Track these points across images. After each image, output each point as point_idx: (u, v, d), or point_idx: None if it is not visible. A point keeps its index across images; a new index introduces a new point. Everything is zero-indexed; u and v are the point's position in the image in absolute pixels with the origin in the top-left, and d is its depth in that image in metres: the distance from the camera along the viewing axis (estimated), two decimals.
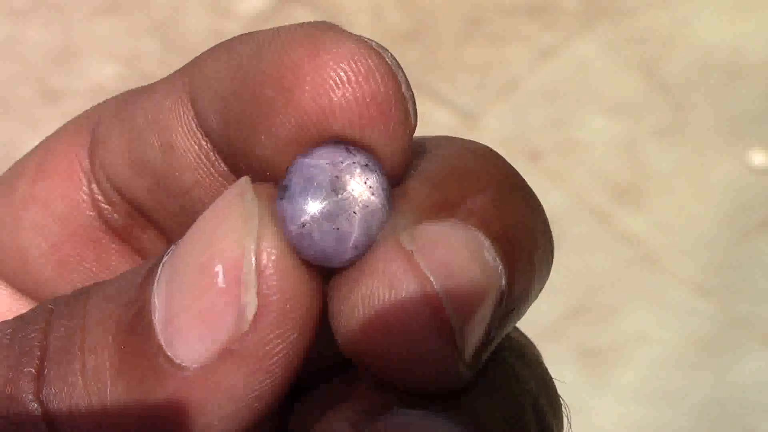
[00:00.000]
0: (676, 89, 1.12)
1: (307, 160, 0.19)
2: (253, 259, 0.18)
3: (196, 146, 0.21)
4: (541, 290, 0.20)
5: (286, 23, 0.20)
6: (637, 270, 1.01)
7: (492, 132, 1.09)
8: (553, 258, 0.21)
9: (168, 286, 0.18)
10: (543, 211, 0.21)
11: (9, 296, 0.23)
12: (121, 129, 0.22)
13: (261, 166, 0.20)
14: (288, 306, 0.18)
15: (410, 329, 0.18)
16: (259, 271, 0.18)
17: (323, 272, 0.19)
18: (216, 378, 0.18)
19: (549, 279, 0.21)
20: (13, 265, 0.23)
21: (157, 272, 0.19)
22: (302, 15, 1.16)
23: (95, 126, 0.23)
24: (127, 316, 0.19)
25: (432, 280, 0.18)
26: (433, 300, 0.18)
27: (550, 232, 0.21)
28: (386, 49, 0.19)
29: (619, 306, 0.99)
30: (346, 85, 0.18)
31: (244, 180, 0.19)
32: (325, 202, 0.19)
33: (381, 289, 0.18)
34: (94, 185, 0.23)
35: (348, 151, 0.19)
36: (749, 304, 0.99)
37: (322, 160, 0.19)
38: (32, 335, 0.19)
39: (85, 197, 0.23)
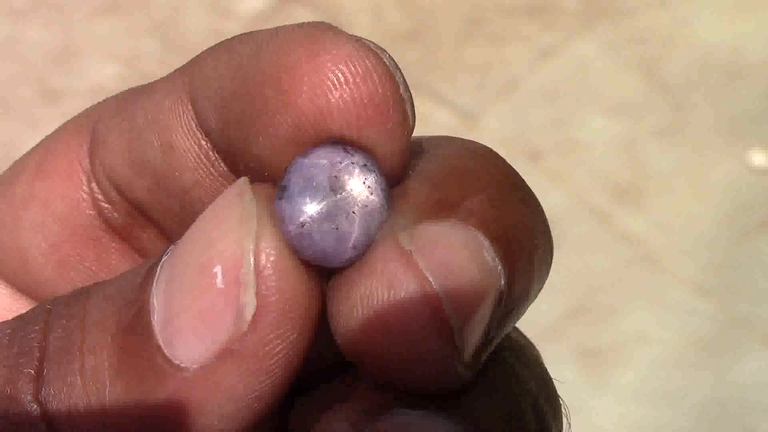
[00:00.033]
0: (676, 89, 1.12)
1: (305, 160, 0.19)
2: (252, 259, 0.18)
3: (196, 146, 0.21)
4: (540, 290, 0.20)
5: (286, 23, 0.20)
6: (637, 270, 1.01)
7: (492, 132, 1.09)
8: (552, 258, 0.21)
9: (167, 287, 0.18)
10: (542, 211, 0.21)
11: (9, 296, 0.23)
12: (120, 128, 0.22)
13: (260, 166, 0.20)
14: (287, 306, 0.18)
15: (409, 329, 0.18)
16: (258, 271, 0.18)
17: (322, 272, 0.19)
18: (215, 378, 0.18)
19: (549, 279, 0.21)
20: (13, 264, 0.23)
21: (156, 272, 0.19)
22: (302, 15, 1.16)
23: (95, 125, 0.23)
24: (126, 317, 0.19)
25: (431, 280, 0.18)
26: (433, 300, 0.18)
27: (549, 232, 0.21)
28: (384, 50, 0.19)
29: (619, 306, 0.99)
30: (344, 86, 0.18)
31: (243, 180, 0.19)
32: (324, 202, 0.19)
33: (380, 289, 0.18)
34: (94, 184, 0.23)
35: (346, 151, 0.19)
36: (749, 304, 0.99)
37: (320, 160, 0.19)
38: (31, 335, 0.19)
39: (85, 196, 0.23)
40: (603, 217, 1.04)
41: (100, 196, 0.23)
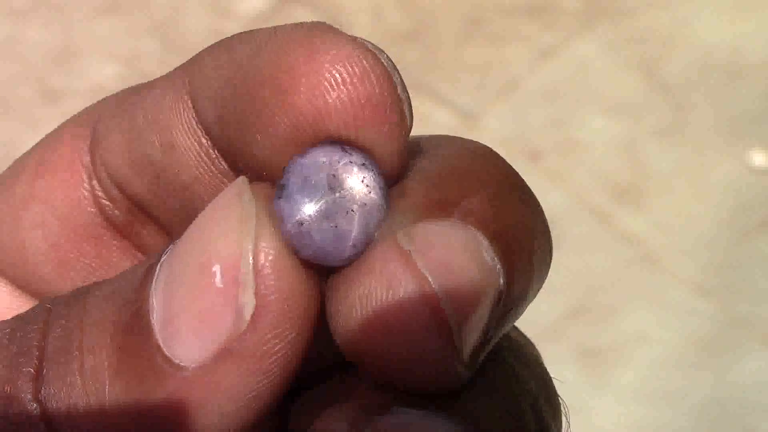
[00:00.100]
0: (676, 89, 1.12)
1: (304, 160, 0.19)
2: (251, 259, 0.18)
3: (196, 144, 0.21)
4: (539, 290, 0.20)
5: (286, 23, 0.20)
6: (637, 270, 1.01)
7: (492, 132, 1.09)
8: (551, 258, 0.21)
9: (166, 287, 0.18)
10: (542, 210, 0.21)
11: (9, 294, 0.24)
12: (121, 127, 0.22)
13: (258, 165, 0.20)
14: (286, 306, 0.18)
15: (408, 329, 0.18)
16: (257, 271, 0.18)
17: (321, 272, 0.19)
18: (215, 378, 0.18)
19: (549, 279, 0.21)
20: (14, 263, 0.23)
21: (155, 272, 0.19)
22: (302, 15, 1.16)
23: (95, 124, 0.23)
24: (126, 316, 0.19)
25: (430, 279, 0.18)
26: (432, 299, 0.18)
27: (548, 231, 0.21)
28: (382, 51, 0.19)
29: (619, 306, 0.99)
30: (342, 86, 0.18)
31: (242, 180, 0.19)
32: (323, 201, 0.19)
33: (379, 288, 0.18)
34: (95, 182, 0.23)
35: (344, 150, 0.19)
36: (749, 304, 0.99)
37: (319, 159, 0.19)
38: (31, 335, 0.19)
39: (86, 194, 0.23)
40: (603, 217, 1.04)
41: (101, 194, 0.23)
